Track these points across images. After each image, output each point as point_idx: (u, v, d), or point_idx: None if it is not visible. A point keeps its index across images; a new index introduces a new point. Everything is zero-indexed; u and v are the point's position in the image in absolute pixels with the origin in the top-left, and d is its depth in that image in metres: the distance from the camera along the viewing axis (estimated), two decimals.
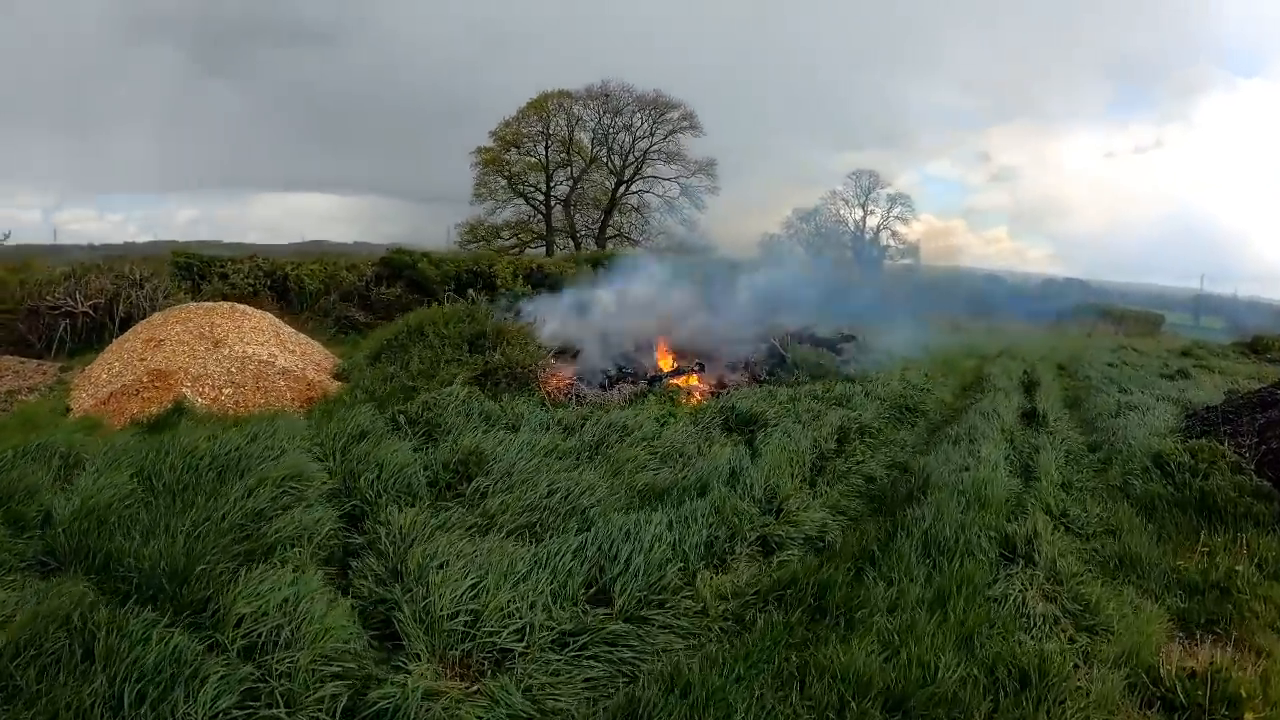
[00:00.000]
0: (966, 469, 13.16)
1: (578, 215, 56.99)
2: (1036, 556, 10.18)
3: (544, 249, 54.19)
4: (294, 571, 8.19)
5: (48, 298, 24.24)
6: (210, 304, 21.16)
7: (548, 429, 14.71)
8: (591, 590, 8.75)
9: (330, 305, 28.32)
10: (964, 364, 28.40)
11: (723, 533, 10.49)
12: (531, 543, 9.80)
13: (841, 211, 70.88)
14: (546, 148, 55.38)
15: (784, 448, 13.72)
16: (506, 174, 55.42)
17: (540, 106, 54.61)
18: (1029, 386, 24.12)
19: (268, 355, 18.81)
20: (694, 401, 18.26)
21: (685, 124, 55.22)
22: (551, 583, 8.56)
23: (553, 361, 19.04)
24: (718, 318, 24.14)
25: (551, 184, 56.02)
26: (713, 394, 19.59)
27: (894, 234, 70.58)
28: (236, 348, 18.70)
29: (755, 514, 11.22)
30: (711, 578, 9.66)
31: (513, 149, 55.28)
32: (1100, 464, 15.51)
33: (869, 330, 26.55)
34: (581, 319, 22.36)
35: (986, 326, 38.15)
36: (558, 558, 9.03)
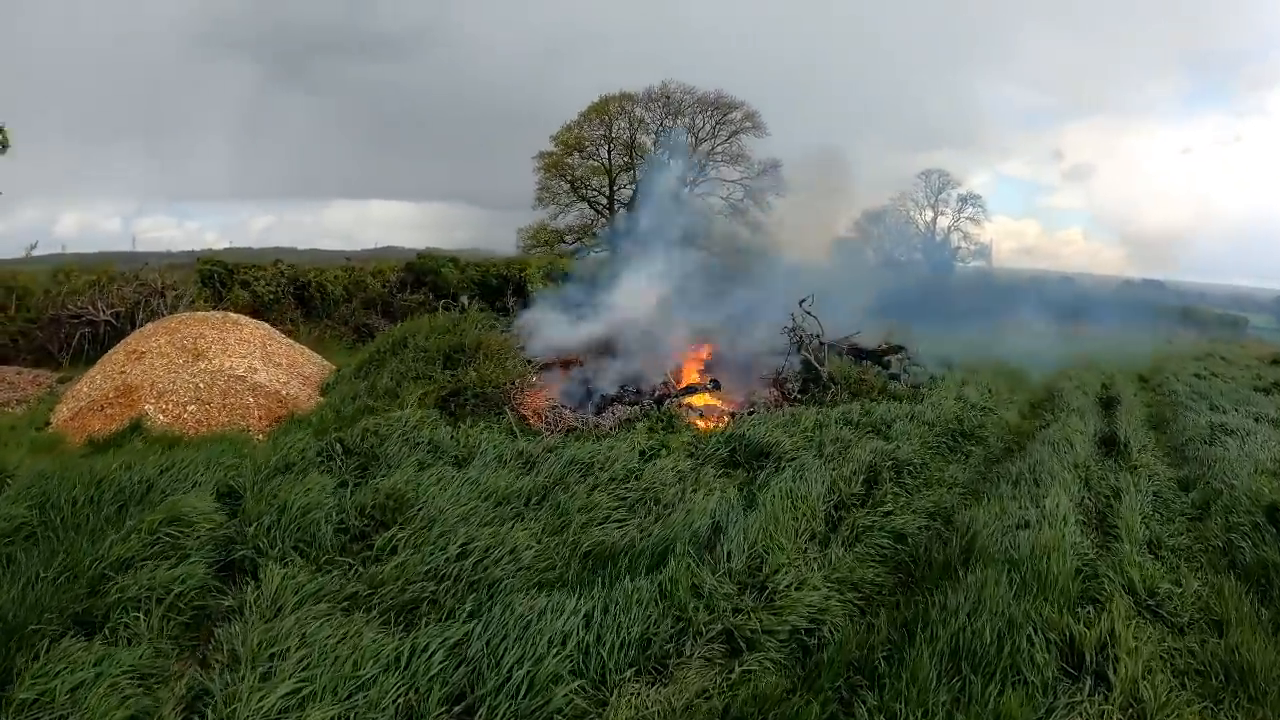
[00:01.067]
0: (1025, 526, 9.94)
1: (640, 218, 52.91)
2: (1112, 675, 6.98)
3: (607, 252, 50.81)
4: (109, 646, 6.74)
5: (69, 306, 23.29)
6: (204, 314, 19.30)
7: (505, 463, 11.75)
8: (457, 710, 6.41)
9: (350, 313, 25.76)
10: (1034, 376, 24.78)
11: (667, 626, 7.46)
12: (404, 629, 7.53)
13: (911, 213, 66.45)
14: (609, 151, 52.03)
15: (791, 494, 10.47)
16: (569, 178, 52.34)
17: (602, 110, 51.38)
18: (1107, 404, 20.52)
19: (245, 369, 16.80)
20: (702, 427, 15.05)
21: (748, 124, 51.30)
22: (401, 695, 6.39)
23: (534, 380, 16.00)
24: (756, 324, 20.72)
25: (615, 187, 52.72)
26: (733, 416, 16.39)
27: (965, 235, 65.85)
28: (216, 361, 16.75)
29: (728, 594, 8.06)
30: (638, 695, 6.72)
31: (575, 153, 52.06)
32: (1196, 510, 12.02)
33: (928, 339, 23.03)
34: (596, 324, 19.14)
35: (1060, 333, 34.05)
36: (423, 657, 6.77)
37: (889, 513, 10.93)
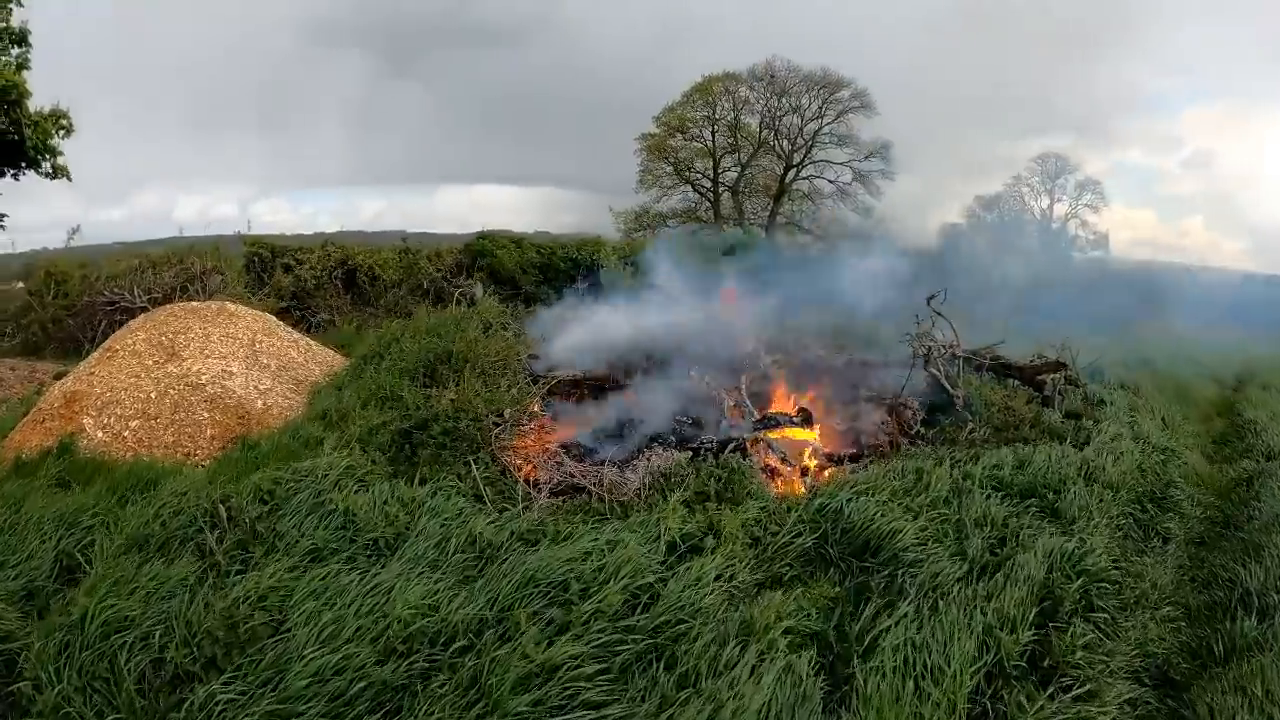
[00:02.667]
0: None
1: (746, 202, 49.28)
2: None
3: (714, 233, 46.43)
4: None
5: (105, 293, 20.74)
6: (197, 305, 15.51)
7: (447, 556, 7.17)
8: None
9: (396, 300, 21.63)
10: (1200, 391, 19.15)
11: None
12: None
13: (1027, 199, 59.54)
14: (713, 132, 48.11)
15: (913, 664, 5.68)
16: (672, 160, 48.58)
17: (705, 90, 47.46)
18: None
19: (217, 374, 13.00)
20: (777, 490, 10.04)
21: (856, 104, 46.52)
22: None
23: (536, 410, 10.94)
24: (864, 324, 15.74)
25: (719, 170, 48.73)
26: (831, 460, 11.45)
27: (1083, 223, 58.77)
28: (188, 363, 13.12)
29: None
30: None
31: (678, 134, 48.38)
32: None
33: (1074, 345, 17.52)
34: (652, 324, 14.12)
35: (1209, 335, 27.72)
36: None
37: (1085, 692, 5.84)
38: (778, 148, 47.80)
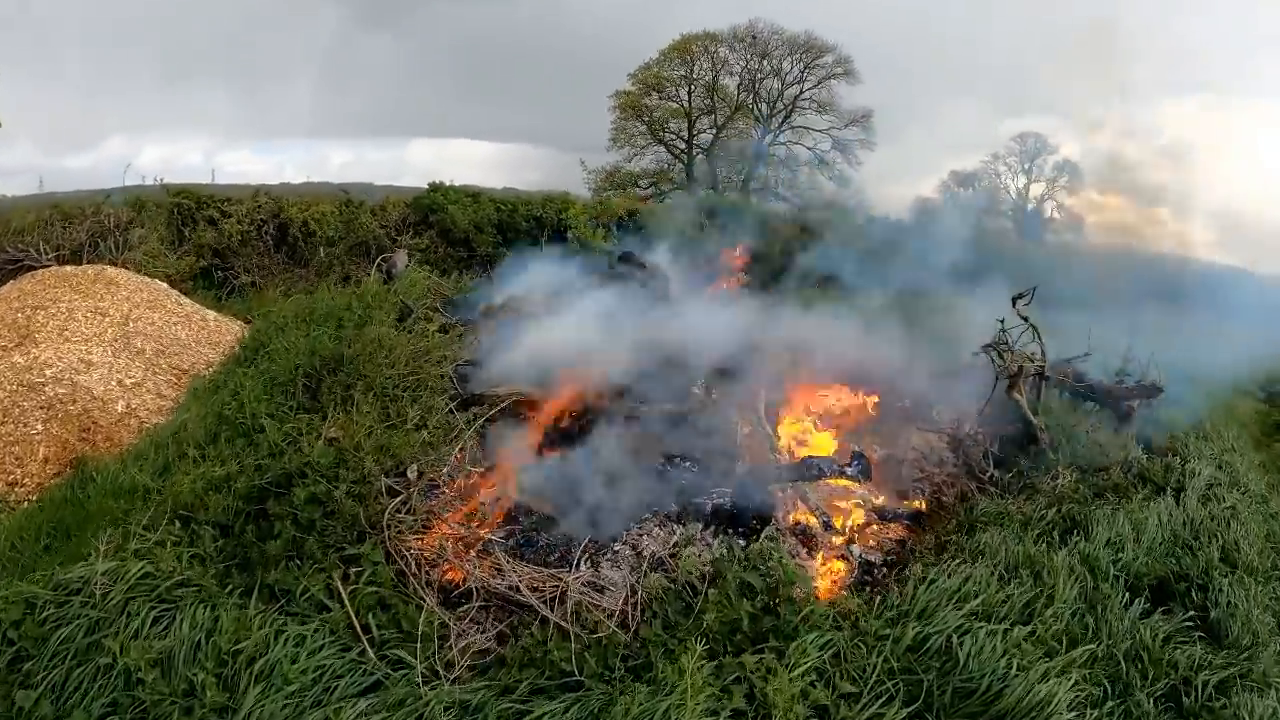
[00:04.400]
0: None
1: (721, 166, 45.31)
2: None
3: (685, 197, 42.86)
4: None
5: (8, 248, 16.17)
6: (71, 270, 12.20)
7: None
8: None
9: (331, 259, 17.68)
10: (1240, 405, 15.89)
11: None
12: None
13: (1004, 177, 55.12)
14: (689, 93, 43.68)
15: None
16: (646, 119, 44.18)
17: (684, 49, 43.10)
18: None
19: (69, 365, 9.58)
20: (824, 590, 6.36)
21: (839, 70, 42.49)
22: None
23: (460, 458, 6.62)
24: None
25: (694, 132, 44.38)
26: (878, 520, 7.83)
27: (1059, 205, 54.61)
28: (42, 349, 9.85)
29: None
30: None
31: (653, 93, 43.93)
32: None
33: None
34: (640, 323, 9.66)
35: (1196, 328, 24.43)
36: None
37: None
38: (756, 111, 44.12)
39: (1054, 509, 7.70)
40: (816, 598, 5.57)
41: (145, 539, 5.29)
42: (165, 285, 12.46)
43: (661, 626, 5.09)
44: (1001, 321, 8.96)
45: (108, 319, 10.43)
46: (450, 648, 4.86)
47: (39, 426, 8.58)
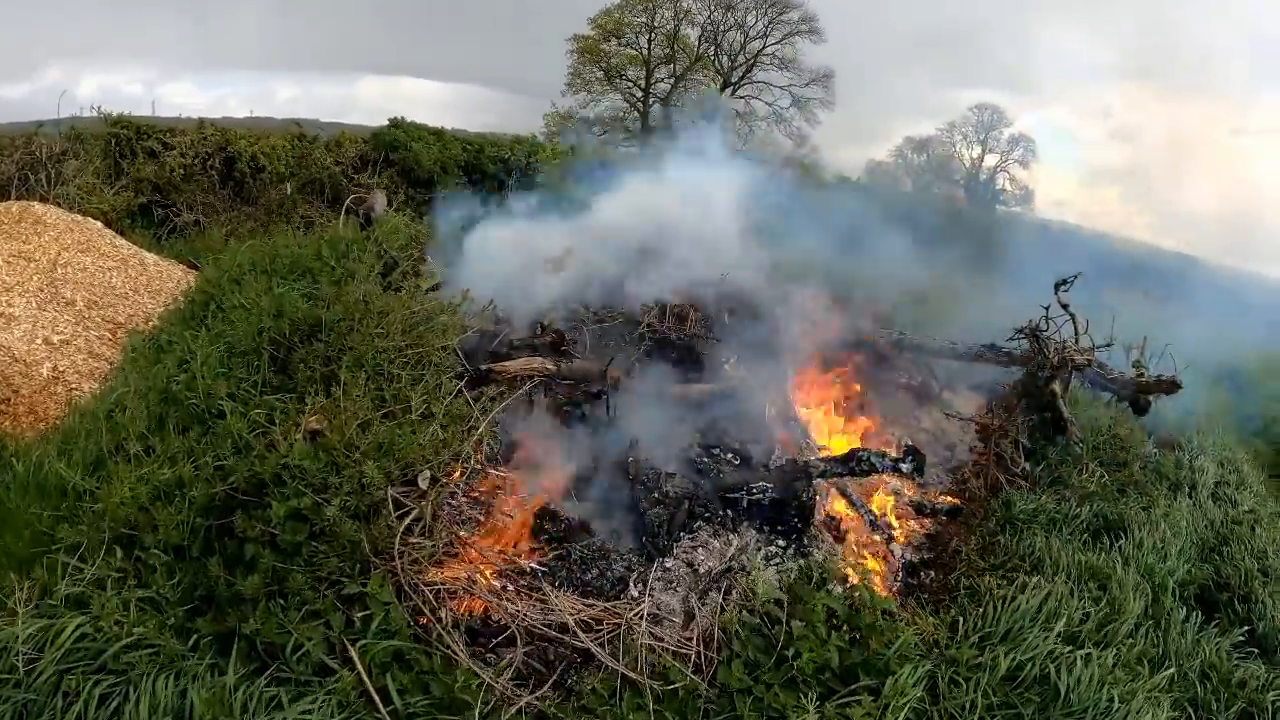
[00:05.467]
0: None
1: (677, 116, 43.71)
2: None
3: (636, 147, 41.58)
4: None
5: None
6: None
7: None
8: None
9: (285, 199, 16.14)
10: (1213, 397, 15.54)
11: None
12: None
13: (959, 147, 54.58)
14: (649, 40, 42.01)
15: None
16: (604, 65, 42.46)
17: None
18: None
19: None
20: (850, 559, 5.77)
21: (804, 27, 41.24)
22: None
23: (478, 455, 5.14)
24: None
25: (652, 80, 42.90)
26: (914, 513, 7.00)
27: (1012, 178, 54.24)
28: None
29: None
30: None
31: (612, 39, 42.20)
32: None
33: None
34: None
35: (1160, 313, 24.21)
36: None
37: None
38: (716, 63, 42.72)
39: (1085, 506, 7.01)
40: (896, 619, 4.59)
41: (78, 575, 3.99)
42: (99, 225, 10.96)
43: (743, 668, 4.07)
44: (1046, 309, 8.13)
45: (33, 264, 8.99)
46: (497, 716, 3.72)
47: None
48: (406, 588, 4.13)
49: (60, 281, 8.94)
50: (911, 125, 57.29)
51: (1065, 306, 8.09)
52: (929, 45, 67.50)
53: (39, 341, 8.04)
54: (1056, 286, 8.07)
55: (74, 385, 7.69)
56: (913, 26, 65.10)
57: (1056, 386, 7.96)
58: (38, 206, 10.36)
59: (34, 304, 8.42)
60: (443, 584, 4.25)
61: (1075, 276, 8.17)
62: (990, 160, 54.04)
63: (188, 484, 4.32)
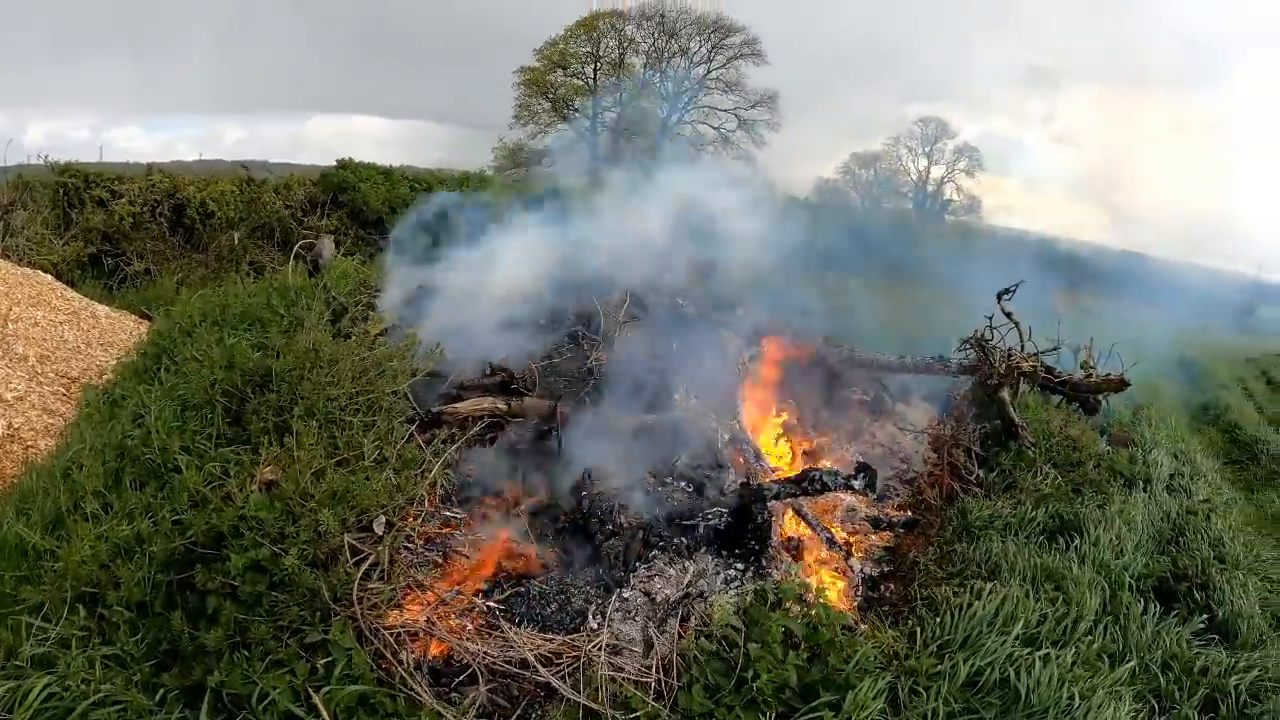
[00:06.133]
0: None
1: (626, 144, 44.12)
2: None
3: (588, 177, 41.40)
4: None
5: None
6: None
7: None
8: None
9: (231, 244, 16.04)
10: (1168, 387, 15.87)
11: None
12: None
13: (905, 160, 55.50)
14: (595, 70, 42.47)
15: None
16: (551, 96, 42.79)
17: (590, 25, 41.78)
18: None
19: None
20: (809, 578, 5.83)
21: (747, 50, 41.86)
22: None
23: (432, 498, 5.37)
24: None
25: (599, 109, 43.31)
26: (869, 527, 7.13)
27: (958, 188, 55.04)
28: None
29: None
30: None
31: (558, 70, 42.56)
32: None
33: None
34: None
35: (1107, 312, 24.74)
36: None
37: None
38: (662, 90, 43.16)
39: (1041, 508, 7.18)
40: (856, 634, 4.68)
41: (43, 635, 3.99)
42: (50, 277, 10.82)
43: (704, 692, 4.14)
44: (990, 318, 8.33)
45: None
46: None
47: None
48: (367, 632, 4.17)
49: (12, 337, 8.77)
50: (858, 142, 57.86)
51: (1009, 315, 8.32)
52: (872, 63, 68.54)
53: None
54: (999, 296, 8.29)
55: (30, 443, 7.50)
56: (855, 45, 65.97)
57: (1005, 393, 8.17)
58: None
59: None
60: (403, 627, 4.29)
61: (1017, 285, 8.42)
62: (936, 171, 55.03)
63: (147, 540, 4.33)
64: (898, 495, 8.06)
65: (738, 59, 42.01)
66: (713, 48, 41.97)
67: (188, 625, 4.05)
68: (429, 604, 4.61)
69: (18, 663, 3.89)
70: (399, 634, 4.24)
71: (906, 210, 52.75)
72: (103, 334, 9.79)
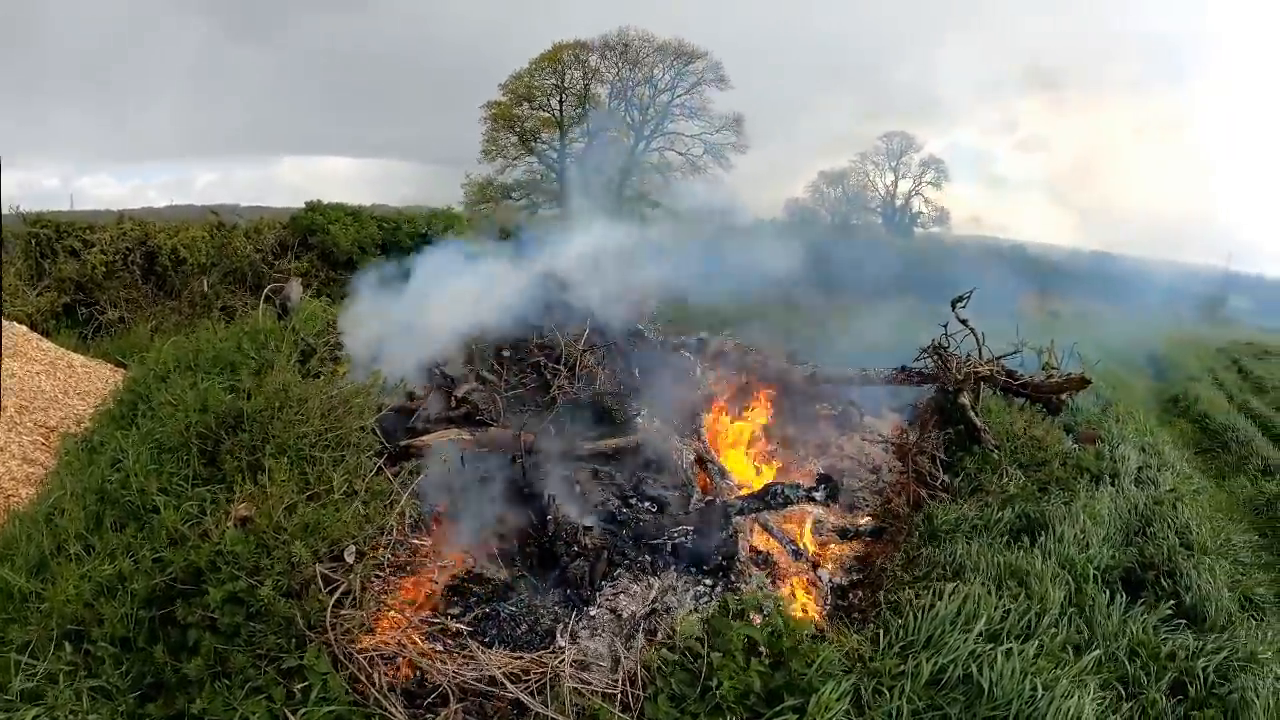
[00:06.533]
0: None
1: (594, 175, 44.23)
2: None
3: (558, 210, 42.10)
4: None
5: None
6: None
7: None
8: None
9: (210, 290, 16.16)
10: (1135, 383, 16.23)
11: None
12: None
13: (872, 176, 56.74)
14: (561, 102, 43.08)
15: None
16: (518, 130, 43.32)
17: (554, 58, 42.40)
18: None
19: None
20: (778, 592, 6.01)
21: (710, 76, 42.67)
22: None
23: (400, 526, 5.45)
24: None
25: (566, 141, 43.79)
26: (836, 538, 7.35)
27: (926, 200, 56.45)
28: None
29: None
30: None
31: (524, 103, 43.17)
32: None
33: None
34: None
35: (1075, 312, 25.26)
36: None
37: None
38: (628, 118, 43.49)
39: (1008, 509, 7.34)
40: (823, 640, 4.85)
41: (31, 670, 4.17)
42: (24, 329, 11.07)
43: (669, 702, 4.29)
44: (945, 326, 8.57)
45: None
46: None
47: None
48: (341, 657, 4.32)
49: None
50: (826, 159, 58.55)
51: (964, 322, 8.55)
52: (834, 81, 69.35)
53: None
54: (953, 304, 8.53)
55: (10, 492, 7.59)
56: (817, 64, 66.82)
57: (964, 399, 8.39)
58: None
59: None
60: (375, 650, 4.45)
61: (970, 292, 8.66)
62: (904, 185, 56.11)
63: (129, 578, 4.48)
64: (867, 505, 8.25)
65: (701, 84, 42.60)
66: (676, 75, 42.60)
67: (170, 657, 4.22)
68: (399, 627, 4.76)
69: (7, 697, 4.05)
70: (372, 657, 4.39)
71: (875, 225, 53.33)
72: (79, 383, 9.96)
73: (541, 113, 43.25)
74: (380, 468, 5.64)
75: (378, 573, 5.05)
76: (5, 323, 10.59)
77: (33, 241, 15.68)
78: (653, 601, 5.43)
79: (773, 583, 6.38)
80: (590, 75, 42.74)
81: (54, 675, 4.16)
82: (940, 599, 5.42)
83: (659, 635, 4.91)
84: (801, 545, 6.93)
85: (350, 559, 4.75)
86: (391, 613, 4.84)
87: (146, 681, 4.25)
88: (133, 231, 16.44)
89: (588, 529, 6.15)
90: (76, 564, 4.65)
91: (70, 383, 9.84)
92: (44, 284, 15.22)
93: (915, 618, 5.25)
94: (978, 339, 8.80)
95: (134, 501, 5.12)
